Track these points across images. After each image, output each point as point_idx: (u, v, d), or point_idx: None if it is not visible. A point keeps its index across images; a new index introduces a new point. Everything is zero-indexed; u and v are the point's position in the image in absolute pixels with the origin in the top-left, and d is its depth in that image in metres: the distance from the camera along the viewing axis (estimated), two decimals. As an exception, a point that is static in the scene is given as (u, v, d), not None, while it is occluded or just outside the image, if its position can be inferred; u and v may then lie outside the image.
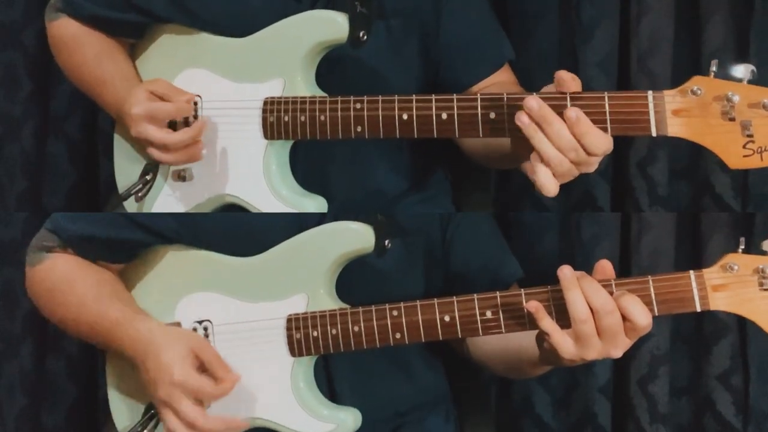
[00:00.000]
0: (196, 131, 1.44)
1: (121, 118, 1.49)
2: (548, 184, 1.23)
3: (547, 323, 1.22)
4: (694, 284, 1.21)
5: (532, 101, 1.21)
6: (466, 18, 1.53)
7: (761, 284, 1.19)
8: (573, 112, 1.20)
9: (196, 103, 1.48)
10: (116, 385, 1.50)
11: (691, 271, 1.21)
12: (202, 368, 1.36)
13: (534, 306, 1.22)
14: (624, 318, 1.19)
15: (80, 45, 1.56)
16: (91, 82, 1.55)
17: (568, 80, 1.23)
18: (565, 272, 1.21)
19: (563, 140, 1.21)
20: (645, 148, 1.83)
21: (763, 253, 1.19)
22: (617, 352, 1.22)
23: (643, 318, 1.19)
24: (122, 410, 1.49)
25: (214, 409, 1.37)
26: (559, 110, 1.21)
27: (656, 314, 1.22)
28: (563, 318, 1.22)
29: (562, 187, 1.85)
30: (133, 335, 1.38)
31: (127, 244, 1.47)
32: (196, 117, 1.48)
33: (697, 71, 1.21)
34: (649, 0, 1.79)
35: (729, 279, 1.20)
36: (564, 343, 1.21)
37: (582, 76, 1.77)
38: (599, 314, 1.19)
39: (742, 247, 1.20)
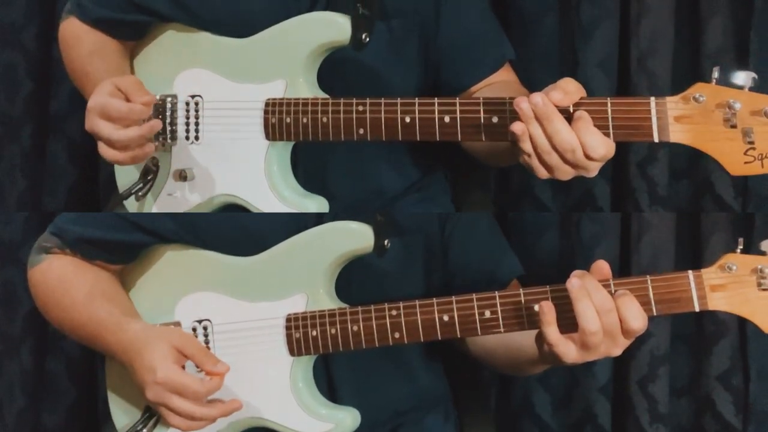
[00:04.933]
0: (144, 131, 1.40)
1: None
2: (538, 168, 1.25)
3: (552, 332, 1.22)
4: (692, 284, 1.21)
5: (536, 96, 1.22)
6: (465, 18, 1.53)
7: (759, 284, 1.19)
8: (579, 111, 1.22)
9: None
10: (116, 384, 1.50)
11: (690, 271, 1.22)
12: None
13: (546, 308, 1.22)
14: (620, 319, 1.20)
15: (78, 42, 1.57)
16: (81, 78, 1.55)
17: (573, 91, 1.23)
18: (574, 283, 1.21)
19: (560, 137, 1.21)
20: (645, 148, 1.83)
21: (761, 253, 1.20)
22: (617, 351, 1.22)
23: (636, 321, 1.20)
24: (122, 409, 1.49)
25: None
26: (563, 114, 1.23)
27: (654, 314, 1.22)
28: (563, 319, 1.23)
29: (562, 186, 1.88)
30: (120, 338, 1.39)
31: (127, 245, 1.47)
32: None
33: (698, 72, 1.22)
34: (649, 0, 1.79)
35: (727, 279, 1.20)
36: (568, 350, 1.22)
37: (582, 76, 1.79)
38: (598, 313, 1.19)
39: (741, 247, 1.21)
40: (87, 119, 1.41)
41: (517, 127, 1.23)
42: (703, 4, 1.79)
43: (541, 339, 1.25)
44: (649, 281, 1.22)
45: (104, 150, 1.41)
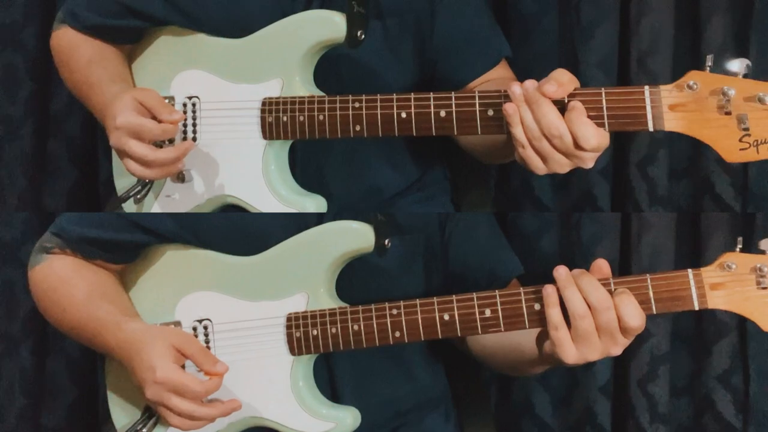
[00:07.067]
0: (181, 152, 1.41)
1: (104, 121, 1.47)
2: (533, 160, 1.25)
3: (554, 314, 1.22)
4: (692, 283, 1.21)
5: (529, 82, 1.23)
6: (461, 15, 1.54)
7: (759, 283, 1.20)
8: (573, 102, 1.22)
9: (185, 113, 1.48)
10: (115, 384, 1.50)
11: (689, 270, 1.22)
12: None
13: (549, 290, 1.23)
14: (618, 317, 1.20)
15: (75, 51, 1.57)
16: (82, 86, 1.55)
17: (566, 82, 1.23)
18: (560, 272, 1.22)
19: (547, 120, 1.22)
20: (645, 147, 1.83)
21: (760, 252, 1.20)
22: (617, 350, 1.22)
23: (633, 319, 1.20)
24: (121, 409, 1.49)
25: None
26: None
27: (654, 313, 1.22)
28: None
29: (562, 186, 1.88)
30: (119, 337, 1.39)
31: (128, 245, 1.47)
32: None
33: (697, 71, 1.22)
34: (649, 0, 1.80)
35: (727, 278, 1.21)
36: (566, 342, 1.22)
37: (582, 76, 1.79)
38: (597, 311, 1.20)
39: (740, 246, 1.21)
40: (114, 136, 1.40)
41: (508, 106, 1.24)
42: (703, 3, 1.79)
43: (542, 337, 1.25)
44: (648, 280, 1.23)
45: (135, 167, 1.41)
